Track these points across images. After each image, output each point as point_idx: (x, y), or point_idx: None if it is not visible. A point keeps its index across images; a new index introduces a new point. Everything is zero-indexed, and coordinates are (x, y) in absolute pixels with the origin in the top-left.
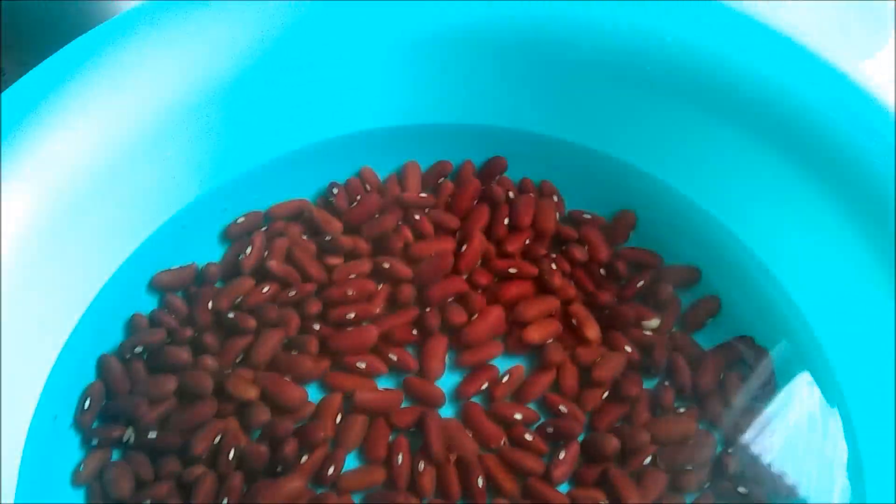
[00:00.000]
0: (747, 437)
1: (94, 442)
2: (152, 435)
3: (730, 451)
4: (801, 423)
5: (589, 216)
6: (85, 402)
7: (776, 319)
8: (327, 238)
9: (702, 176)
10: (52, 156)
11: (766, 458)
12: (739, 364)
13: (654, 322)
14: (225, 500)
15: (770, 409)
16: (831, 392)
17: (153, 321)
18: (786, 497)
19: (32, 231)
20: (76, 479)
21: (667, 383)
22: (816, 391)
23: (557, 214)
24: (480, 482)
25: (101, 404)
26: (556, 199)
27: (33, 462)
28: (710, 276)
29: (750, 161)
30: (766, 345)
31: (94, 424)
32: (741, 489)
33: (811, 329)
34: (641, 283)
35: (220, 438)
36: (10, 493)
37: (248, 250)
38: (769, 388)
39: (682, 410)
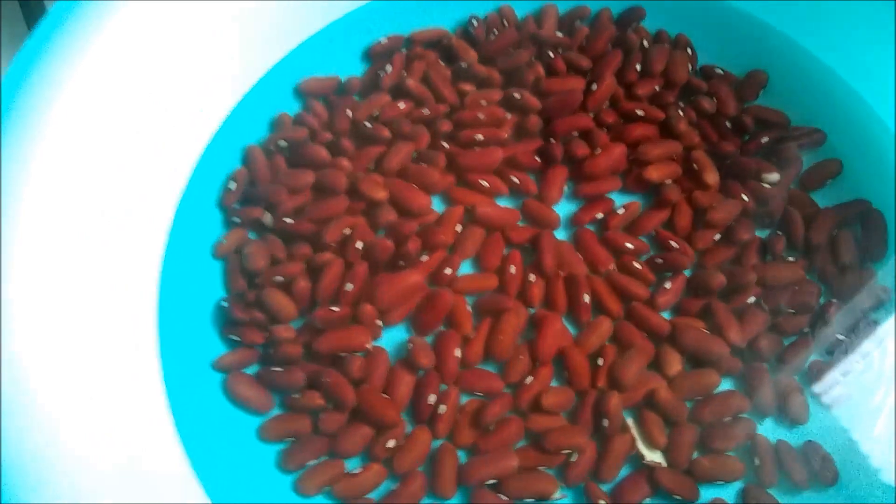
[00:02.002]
0: (851, 294)
1: (236, 220)
2: (288, 220)
3: (833, 302)
4: None
5: (721, 71)
6: (230, 184)
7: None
8: (463, 65)
9: (836, 39)
10: None
11: (865, 321)
12: (853, 224)
13: (775, 176)
14: (349, 285)
15: (878, 270)
16: None
17: (297, 121)
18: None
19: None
20: (217, 250)
21: (779, 234)
22: None
23: (690, 67)
24: (587, 298)
25: (244, 188)
26: (689, 51)
27: (181, 233)
28: (834, 139)
29: (885, 27)
30: (882, 209)
31: (237, 205)
32: (840, 336)
33: None
34: (766, 139)
35: (350, 231)
36: (157, 260)
37: (388, 68)
38: (880, 251)
39: (791, 259)
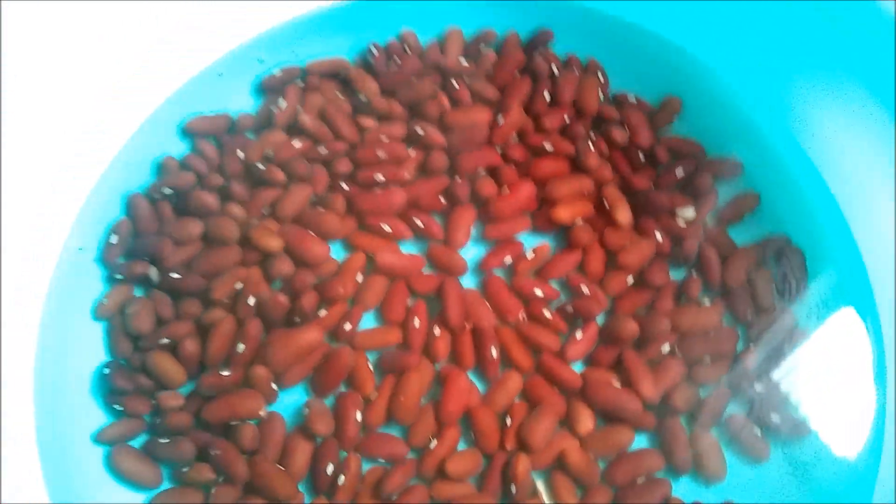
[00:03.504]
0: (770, 338)
1: (119, 277)
2: (175, 275)
3: (751, 348)
4: (827, 332)
5: (634, 99)
6: (112, 237)
7: (815, 221)
8: (362, 98)
9: (753, 66)
10: None
11: (786, 364)
12: (771, 263)
13: (689, 212)
14: (241, 346)
15: (797, 311)
16: (864, 301)
17: (184, 165)
18: (795, 411)
19: (67, 68)
20: (99, 312)
21: (695, 275)
22: (849, 300)
23: (601, 94)
24: (494, 353)
25: (127, 241)
26: (601, 77)
27: (59, 291)
28: (752, 171)
29: (803, 56)
30: (802, 246)
31: (120, 260)
32: (758, 387)
33: (849, 233)
34: (680, 171)
35: (242, 285)
36: (35, 319)
37: (283, 103)
38: (799, 290)
39: (707, 303)
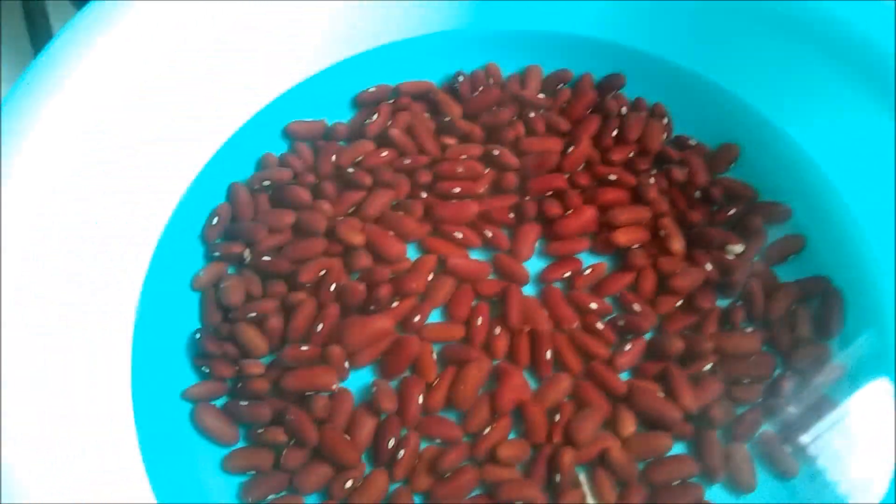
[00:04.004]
0: (805, 368)
1: (216, 254)
2: (267, 258)
3: (787, 375)
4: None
5: (694, 142)
6: (213, 219)
7: (856, 267)
8: (446, 119)
9: (809, 119)
10: None
11: (819, 393)
12: (812, 301)
13: (738, 247)
14: (320, 326)
15: (832, 347)
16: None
17: (282, 162)
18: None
19: (191, 61)
20: (195, 283)
21: (739, 304)
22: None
23: (665, 136)
24: (549, 355)
25: (226, 224)
26: (665, 121)
27: (162, 263)
28: (800, 216)
29: (861, 115)
30: (842, 288)
31: (218, 240)
32: (792, 409)
33: (891, 280)
34: (733, 211)
35: (325, 273)
36: (136, 287)
37: (375, 117)
38: (836, 329)
39: (749, 330)
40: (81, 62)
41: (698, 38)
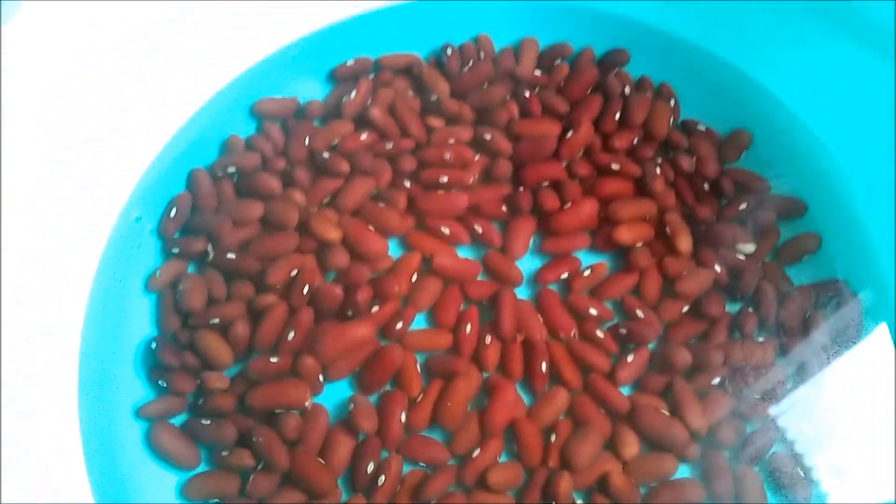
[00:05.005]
0: (822, 381)
1: (174, 251)
2: (231, 256)
3: (801, 389)
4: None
5: (703, 128)
6: (171, 210)
7: (874, 269)
8: (433, 98)
9: (827, 106)
10: None
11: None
12: (827, 305)
13: (750, 247)
14: (291, 333)
15: (850, 355)
16: None
17: (249, 145)
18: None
19: (137, 37)
20: (151, 284)
21: (750, 310)
22: None
23: (671, 119)
24: (543, 367)
25: (186, 216)
26: (672, 103)
27: (112, 260)
28: (815, 213)
29: (883, 104)
30: (859, 291)
31: (177, 234)
32: (805, 428)
33: None
34: (744, 205)
35: (297, 273)
36: (83, 289)
37: (353, 94)
38: (853, 335)
39: (761, 340)
40: (23, 41)
41: (709, 11)
